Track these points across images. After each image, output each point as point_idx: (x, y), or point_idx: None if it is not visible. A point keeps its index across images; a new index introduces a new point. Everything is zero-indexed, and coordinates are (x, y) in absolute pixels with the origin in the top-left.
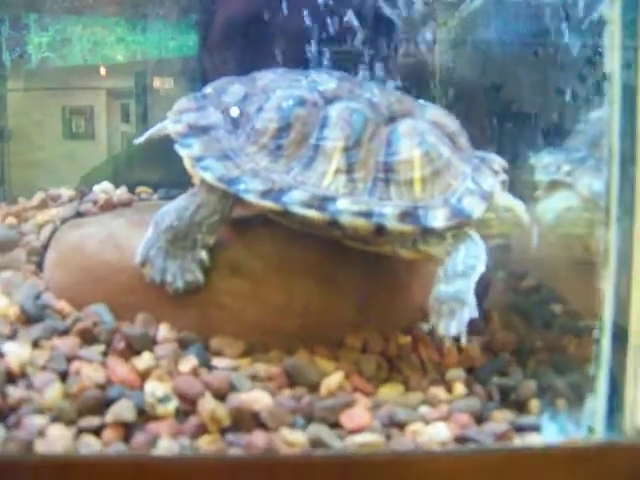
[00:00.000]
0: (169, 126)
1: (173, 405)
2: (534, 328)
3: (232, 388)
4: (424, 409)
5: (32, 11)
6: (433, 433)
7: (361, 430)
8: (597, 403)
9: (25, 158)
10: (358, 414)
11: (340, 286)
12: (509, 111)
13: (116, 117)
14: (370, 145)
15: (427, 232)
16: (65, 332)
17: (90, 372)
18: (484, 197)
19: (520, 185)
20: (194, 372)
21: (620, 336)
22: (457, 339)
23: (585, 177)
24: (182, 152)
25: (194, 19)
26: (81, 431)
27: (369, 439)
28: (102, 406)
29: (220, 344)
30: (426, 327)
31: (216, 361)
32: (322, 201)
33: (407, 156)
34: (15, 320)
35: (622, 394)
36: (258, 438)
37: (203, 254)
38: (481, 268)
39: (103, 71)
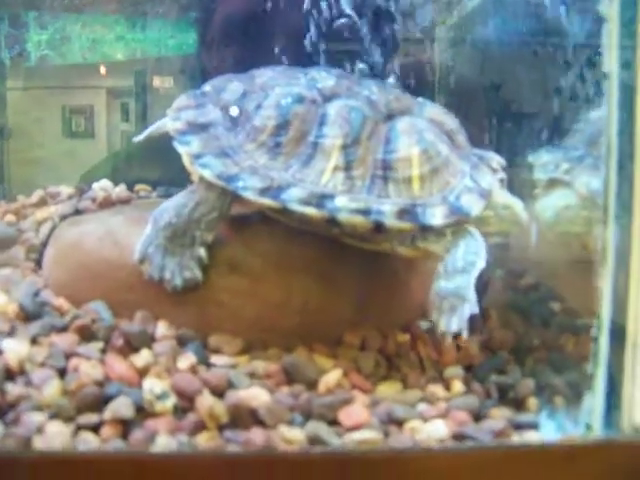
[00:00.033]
0: (168, 123)
1: (171, 402)
2: (532, 326)
3: (230, 385)
4: (422, 406)
5: (31, 9)
6: (431, 430)
7: (359, 427)
8: (595, 401)
9: (24, 156)
10: (356, 411)
11: (339, 284)
12: (507, 109)
13: (116, 116)
14: (368, 143)
15: (426, 229)
16: (64, 329)
17: (88, 369)
18: (482, 195)
19: (519, 183)
20: (192, 369)
21: (618, 334)
22: (458, 335)
23: (583, 175)
24: (181, 149)
25: (193, 17)
26: (79, 428)
27: (367, 436)
28: (100, 403)
29: (218, 341)
30: (425, 325)
31: (214, 358)
32: (320, 198)
33: (405, 154)
34: (14, 317)
35: (620, 392)
36: (256, 435)
37: (202, 251)
38: (481, 264)
39: (103, 70)
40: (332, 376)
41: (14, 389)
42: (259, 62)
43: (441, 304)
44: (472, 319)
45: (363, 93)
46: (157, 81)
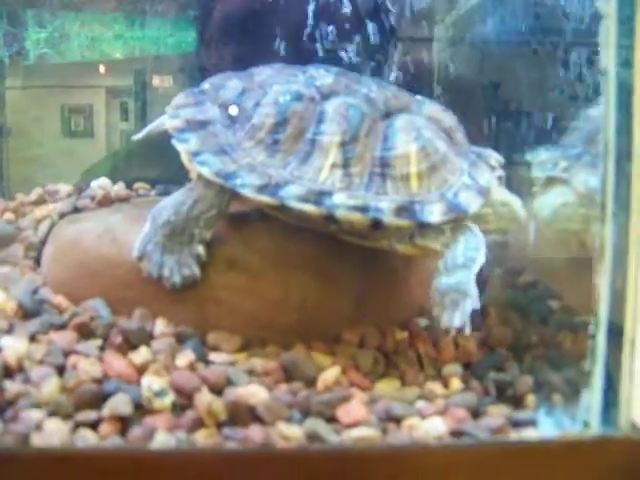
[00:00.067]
0: (166, 121)
1: (170, 399)
2: (531, 324)
3: (229, 382)
4: (420, 404)
5: (30, 7)
6: (429, 427)
7: (357, 424)
8: (592, 398)
9: (23, 155)
10: (355, 409)
11: (337, 281)
12: (506, 107)
13: (115, 115)
14: (367, 140)
15: (424, 227)
16: (62, 326)
17: (87, 366)
18: (481, 192)
19: (517, 181)
20: (191, 367)
21: (615, 331)
22: (461, 330)
23: (581, 173)
24: (179, 147)
25: (192, 15)
26: (78, 425)
27: (365, 433)
28: (99, 400)
29: (217, 339)
30: (423, 322)
31: (213, 356)
32: (318, 196)
33: (403, 151)
34: (12, 315)
35: (617, 389)
36: (254, 432)
37: (200, 249)
38: (481, 260)
39: (102, 69)
40: (330, 373)
41: (12, 386)
42: (258, 60)
43: (442, 300)
44: (473, 315)
45: (361, 91)
46: (156, 80)
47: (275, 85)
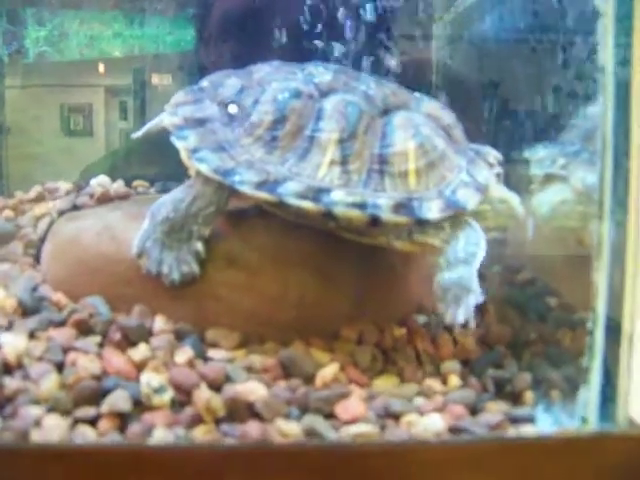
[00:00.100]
0: (165, 119)
1: (169, 396)
2: (529, 321)
3: (227, 379)
4: (419, 400)
5: (29, 5)
6: (428, 424)
7: (356, 421)
8: (590, 394)
9: (23, 153)
10: (353, 405)
11: (335, 278)
12: (504, 105)
13: (114, 114)
14: (365, 137)
15: (422, 223)
16: (61, 323)
17: (86, 363)
18: (479, 189)
19: (515, 179)
20: (190, 363)
21: (613, 328)
22: (465, 325)
23: (580, 170)
24: (178, 144)
25: (191, 13)
26: (77, 421)
27: (364, 430)
28: (98, 397)
29: (216, 336)
30: (421, 319)
31: (212, 352)
32: (317, 192)
33: (401, 148)
34: (12, 312)
35: (615, 385)
36: (253, 428)
37: (199, 246)
38: (482, 254)
39: (101, 68)
40: (329, 370)
41: (12, 383)
42: (257, 58)
43: (445, 296)
44: (477, 309)
45: (360, 88)
46: (155, 78)
47: (274, 82)
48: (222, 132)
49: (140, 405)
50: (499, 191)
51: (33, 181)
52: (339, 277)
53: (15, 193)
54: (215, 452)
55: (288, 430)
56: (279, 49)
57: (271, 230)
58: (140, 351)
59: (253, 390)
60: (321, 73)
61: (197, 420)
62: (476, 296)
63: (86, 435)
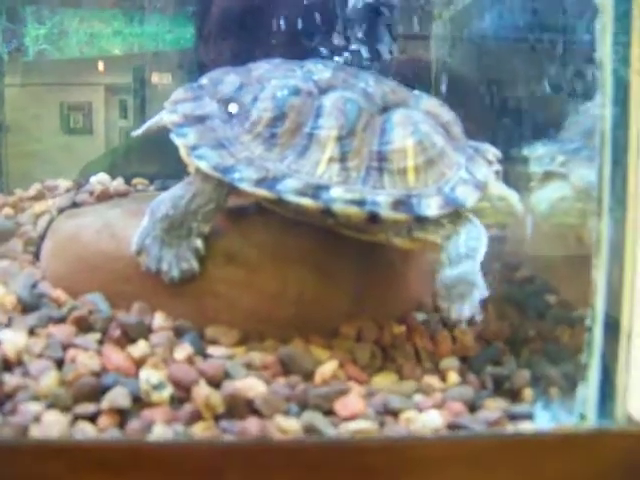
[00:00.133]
0: (165, 116)
1: (168, 392)
2: (528, 318)
3: (227, 376)
4: (418, 397)
5: (29, 3)
6: (426, 420)
7: (355, 417)
8: (589, 391)
9: (22, 152)
10: (352, 402)
11: (334, 275)
12: (503, 102)
13: (114, 113)
14: (364, 134)
15: (421, 220)
16: (61, 320)
17: (86, 360)
18: (478, 186)
19: (514, 176)
20: (189, 360)
21: (612, 324)
22: (471, 320)
23: (579, 168)
24: (178, 141)
25: (191, 11)
26: (77, 417)
27: (363, 426)
28: (97, 393)
29: (215, 332)
30: (421, 316)
31: (211, 349)
32: (316, 189)
33: (400, 145)
34: (12, 308)
35: (614, 381)
36: (252, 425)
37: (198, 243)
38: (483, 249)
39: (101, 67)
40: (328, 367)
41: (11, 380)
42: (256, 55)
43: (450, 292)
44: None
45: (359, 85)
46: (155, 77)
47: (273, 80)
48: (221, 129)
49: (139, 401)
50: (498, 188)
51: (33, 179)
52: (338, 274)
53: (15, 191)
54: (214, 448)
55: (287, 426)
56: (278, 46)
57: (270, 227)
58: (139, 348)
59: (252, 387)
60: (320, 70)
61: (196, 416)
62: (480, 291)
63: (86, 431)
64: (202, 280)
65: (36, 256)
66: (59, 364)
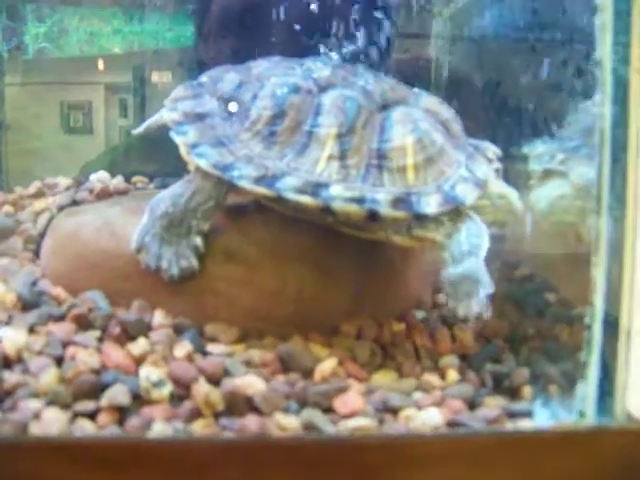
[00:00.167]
0: (165, 114)
1: (167, 390)
2: (527, 316)
3: (226, 373)
4: (417, 395)
5: (29, 1)
6: (426, 418)
7: (354, 415)
8: (588, 388)
9: (22, 150)
10: (351, 399)
11: (334, 273)
12: (503, 100)
13: (114, 112)
14: (363, 132)
15: (421, 218)
16: (61, 318)
17: (85, 357)
18: (478, 184)
19: (514, 174)
20: (189, 357)
21: (611, 322)
22: (479, 317)
23: (579, 166)
24: (177, 139)
25: (191, 9)
26: (76, 415)
27: (362, 424)
28: (97, 390)
29: (215, 330)
30: (420, 314)
31: (210, 347)
32: (315, 187)
33: (400, 143)
34: (12, 306)
35: (613, 379)
36: (251, 422)
37: (198, 240)
38: (486, 245)
39: (101, 66)
40: (327, 365)
41: (11, 377)
42: (256, 53)
43: (456, 290)
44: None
45: (359, 83)
46: (155, 76)
47: (272, 77)
48: (221, 127)
49: (139, 399)
50: (498, 186)
51: (33, 177)
52: (338, 272)
53: (15, 188)
54: (214, 446)
55: (287, 424)
56: (278, 44)
57: (270, 225)
58: (139, 345)
59: (252, 384)
60: (320, 68)
61: (196, 414)
62: (486, 287)
63: (85, 428)
64: (201, 278)
65: (36, 254)
66: (59, 361)
